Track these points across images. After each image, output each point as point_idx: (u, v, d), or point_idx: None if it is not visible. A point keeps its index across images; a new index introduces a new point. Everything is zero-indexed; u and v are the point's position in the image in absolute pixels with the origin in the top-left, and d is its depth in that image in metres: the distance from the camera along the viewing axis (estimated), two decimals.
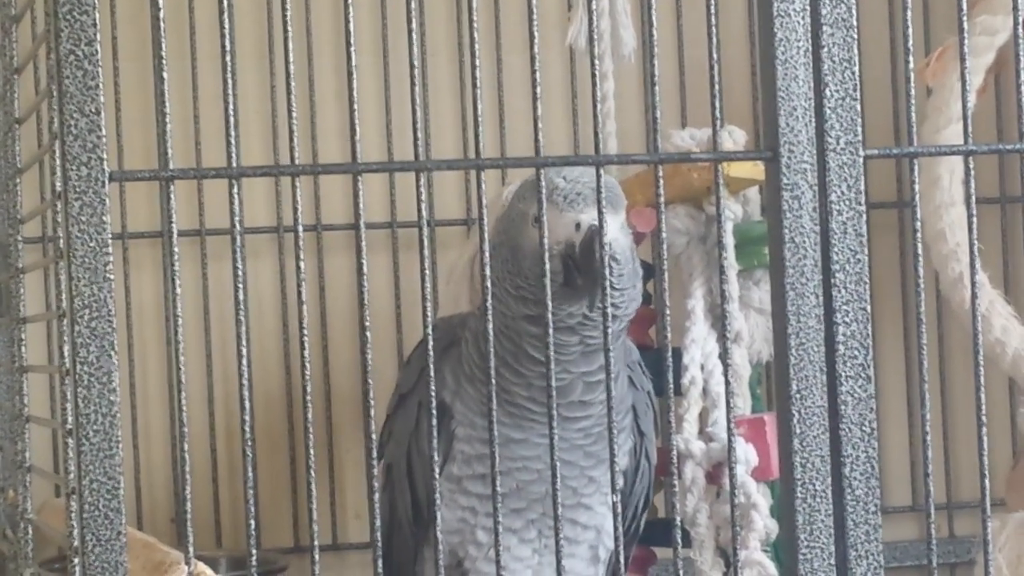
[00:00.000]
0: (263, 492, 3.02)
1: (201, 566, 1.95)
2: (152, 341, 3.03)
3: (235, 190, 1.83)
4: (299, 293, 1.84)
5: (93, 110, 1.77)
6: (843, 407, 1.90)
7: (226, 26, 1.83)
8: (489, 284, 1.90)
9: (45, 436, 2.88)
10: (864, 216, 1.90)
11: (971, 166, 2.00)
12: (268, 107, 3.04)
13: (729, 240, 2.49)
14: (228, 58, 1.83)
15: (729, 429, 1.96)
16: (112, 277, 1.78)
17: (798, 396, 1.89)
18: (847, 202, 1.90)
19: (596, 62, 1.90)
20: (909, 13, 1.97)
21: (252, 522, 1.84)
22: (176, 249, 1.83)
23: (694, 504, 2.44)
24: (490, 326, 1.88)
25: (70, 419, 1.79)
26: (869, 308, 1.91)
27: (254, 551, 1.84)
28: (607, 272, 2.03)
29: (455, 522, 2.32)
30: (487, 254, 1.91)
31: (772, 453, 2.40)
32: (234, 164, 1.84)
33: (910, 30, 1.97)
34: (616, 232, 2.21)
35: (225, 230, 2.95)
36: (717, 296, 2.52)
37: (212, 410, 3.01)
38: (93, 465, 1.77)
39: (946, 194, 2.74)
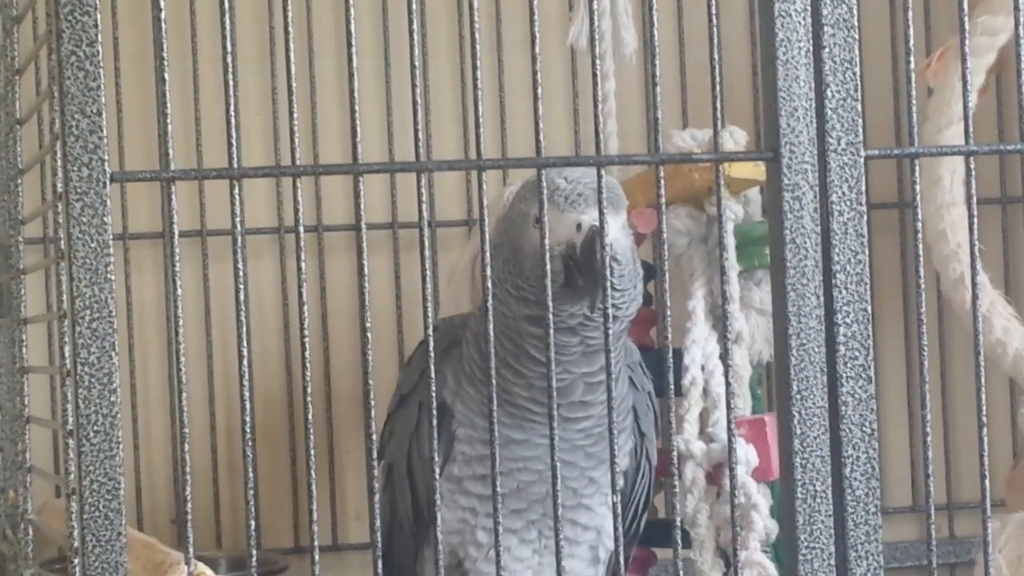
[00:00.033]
0: (263, 492, 3.02)
1: (201, 566, 1.95)
2: (153, 342, 3.03)
3: (236, 191, 1.83)
4: (300, 294, 1.84)
5: (94, 111, 1.77)
6: (844, 408, 1.90)
7: (227, 27, 1.83)
8: (490, 285, 1.89)
9: (46, 437, 2.88)
10: (865, 217, 1.90)
11: (972, 166, 2.00)
12: (269, 108, 3.04)
13: (730, 241, 2.49)
14: (229, 59, 1.83)
15: (729, 430, 1.96)
16: (113, 278, 1.78)
17: (799, 397, 1.89)
18: (848, 202, 1.90)
19: (597, 62, 1.90)
20: (910, 13, 1.97)
21: (252, 522, 1.84)
22: (177, 250, 1.83)
23: (694, 505, 2.44)
24: (491, 327, 1.88)
25: (71, 420, 1.79)
26: (870, 309, 1.91)
27: (254, 551, 1.84)
28: (608, 273, 2.03)
29: (455, 522, 2.32)
30: (488, 255, 1.91)
31: (772, 454, 2.40)
32: (235, 165, 1.84)
33: (911, 30, 1.97)
34: (617, 233, 2.21)
35: (226, 231, 2.95)
36: (718, 297, 2.52)
37: (213, 410, 3.01)
38: (93, 466, 1.77)
39: (947, 194, 2.74)
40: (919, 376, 1.97)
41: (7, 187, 2.33)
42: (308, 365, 1.84)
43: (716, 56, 1.90)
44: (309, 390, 1.84)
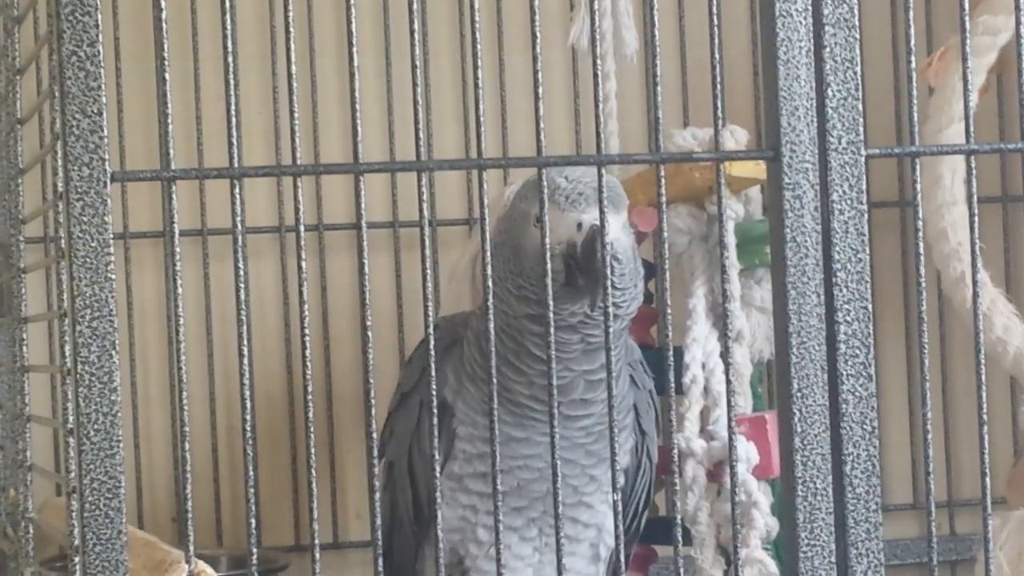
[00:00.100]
0: (264, 491, 3.02)
1: (202, 565, 1.95)
2: (153, 341, 3.03)
3: (237, 190, 1.83)
4: (301, 293, 1.84)
5: (95, 111, 1.78)
6: (844, 405, 1.90)
7: (228, 26, 1.83)
8: (491, 283, 1.90)
9: (46, 435, 2.88)
10: (866, 215, 1.91)
11: (973, 165, 2.00)
12: (270, 107, 3.05)
13: (731, 239, 2.49)
14: (230, 58, 1.83)
15: (730, 427, 1.97)
16: (114, 277, 1.78)
17: (799, 395, 1.89)
18: (849, 201, 1.90)
19: (598, 62, 1.90)
20: (911, 13, 1.97)
21: (253, 520, 1.84)
22: (178, 249, 1.83)
23: (695, 502, 2.44)
24: (491, 325, 1.88)
25: (71, 418, 1.79)
26: (870, 307, 1.91)
27: (255, 550, 1.84)
28: (608, 272, 2.03)
29: (456, 520, 2.32)
30: (489, 254, 1.91)
31: (773, 451, 2.40)
32: (236, 164, 1.84)
33: (912, 30, 1.97)
34: (618, 232, 2.21)
35: (227, 230, 2.95)
36: (718, 295, 2.52)
37: (213, 409, 3.01)
38: (94, 464, 1.77)
39: (948, 193, 2.74)
40: (920, 374, 1.97)
41: (8, 186, 2.33)
42: (309, 364, 1.84)
43: (717, 55, 1.90)
44: (310, 389, 1.84)
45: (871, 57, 3.12)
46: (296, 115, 1.84)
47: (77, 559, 1.78)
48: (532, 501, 2.31)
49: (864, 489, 1.90)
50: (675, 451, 1.93)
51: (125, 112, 2.98)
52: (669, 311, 2.10)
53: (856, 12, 1.91)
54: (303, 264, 1.84)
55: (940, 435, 3.18)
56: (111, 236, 1.78)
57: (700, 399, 2.50)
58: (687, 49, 3.14)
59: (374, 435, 1.88)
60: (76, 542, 1.79)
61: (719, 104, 1.92)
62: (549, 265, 1.88)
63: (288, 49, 1.84)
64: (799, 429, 1.89)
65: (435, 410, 1.89)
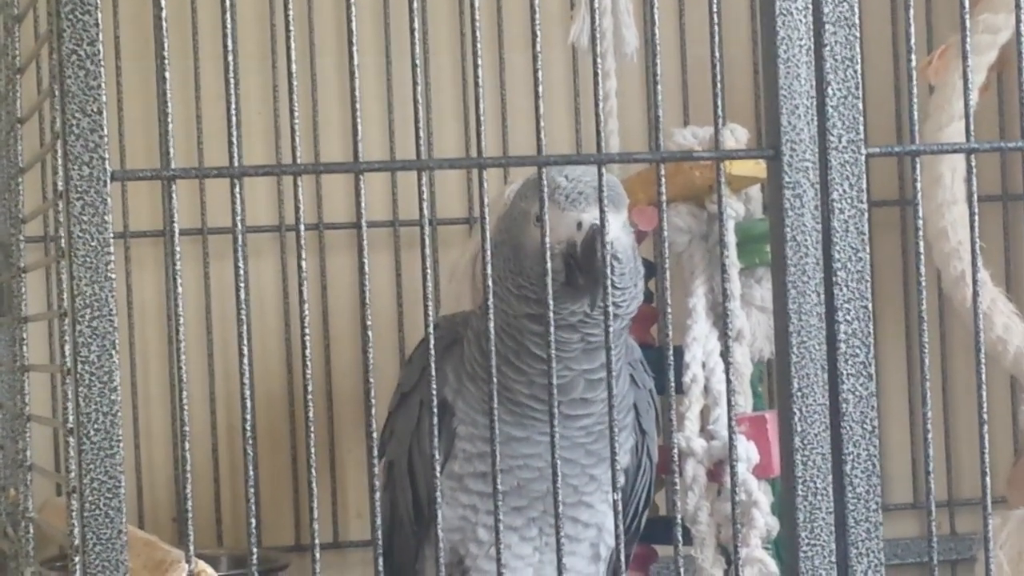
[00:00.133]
0: (264, 490, 3.02)
1: (202, 564, 1.95)
2: (154, 340, 3.03)
3: (237, 189, 1.83)
4: (301, 292, 1.84)
5: (95, 110, 1.77)
6: (844, 405, 1.90)
7: (228, 25, 1.83)
8: (491, 283, 1.89)
9: (46, 435, 2.88)
10: (866, 214, 1.90)
11: (973, 164, 2.00)
12: (270, 106, 3.04)
13: (731, 238, 2.49)
14: (230, 57, 1.83)
15: (730, 427, 1.96)
16: (113, 276, 1.78)
17: (799, 394, 1.89)
18: (849, 200, 1.90)
19: (598, 60, 1.90)
20: (911, 11, 1.97)
21: (253, 520, 1.84)
22: (178, 248, 1.83)
23: (695, 502, 2.44)
24: (491, 324, 1.88)
25: (71, 418, 1.79)
26: (871, 306, 1.91)
27: (255, 549, 1.84)
28: (608, 271, 2.03)
29: (456, 520, 2.32)
30: (489, 253, 1.91)
31: (773, 451, 2.40)
32: (236, 163, 1.84)
33: (912, 28, 1.96)
34: (618, 231, 2.21)
35: (227, 229, 2.95)
36: (719, 294, 2.52)
37: (213, 409, 3.01)
38: (94, 464, 1.77)
39: (948, 192, 2.74)
40: (920, 373, 1.97)
41: (8, 185, 2.33)
42: (309, 363, 1.84)
43: (717, 54, 1.90)
44: (310, 388, 1.84)
45: (871, 56, 3.12)
46: (296, 114, 1.84)
47: (77, 559, 1.78)
48: (532, 500, 2.31)
49: (864, 488, 1.89)
50: (675, 450, 1.93)
51: (125, 111, 2.98)
52: (669, 310, 2.09)
53: (856, 10, 1.91)
54: (303, 263, 1.84)
55: (940, 434, 3.18)
56: (111, 235, 1.78)
57: (700, 398, 2.50)
58: (687, 47, 3.14)
59: (374, 435, 1.88)
60: (76, 542, 1.79)
61: (719, 103, 1.92)
62: (549, 264, 1.88)
63: (288, 48, 1.84)
64: (799, 428, 1.89)
65: (435, 409, 1.89)
